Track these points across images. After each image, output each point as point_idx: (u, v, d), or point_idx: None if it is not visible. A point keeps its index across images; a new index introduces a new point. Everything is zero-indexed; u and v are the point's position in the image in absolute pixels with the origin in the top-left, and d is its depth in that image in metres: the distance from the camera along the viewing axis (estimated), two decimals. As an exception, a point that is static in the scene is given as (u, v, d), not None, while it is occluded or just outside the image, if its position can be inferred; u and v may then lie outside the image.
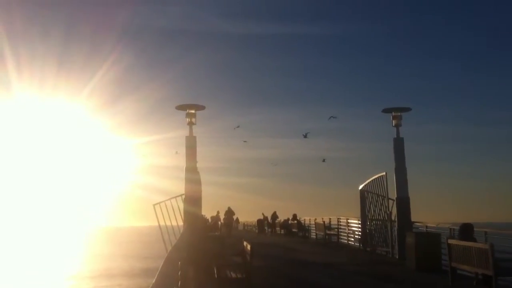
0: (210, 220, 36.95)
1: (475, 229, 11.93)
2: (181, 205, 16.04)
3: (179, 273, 7.68)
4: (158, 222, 15.83)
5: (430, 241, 14.29)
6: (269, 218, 40.26)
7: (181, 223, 16.04)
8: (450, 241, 11.54)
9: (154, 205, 16.01)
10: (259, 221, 40.73)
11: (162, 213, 15.84)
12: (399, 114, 17.42)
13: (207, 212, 42.80)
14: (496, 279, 10.22)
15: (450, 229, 13.90)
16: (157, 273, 5.45)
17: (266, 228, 40.09)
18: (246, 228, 51.02)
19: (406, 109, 17.50)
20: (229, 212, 35.04)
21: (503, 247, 11.87)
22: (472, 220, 13.25)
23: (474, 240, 11.22)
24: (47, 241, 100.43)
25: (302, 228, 32.71)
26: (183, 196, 16.09)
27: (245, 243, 11.41)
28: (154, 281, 4.89)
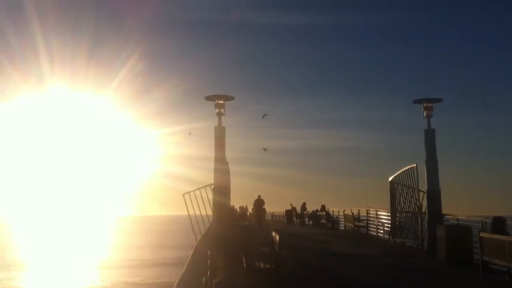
0: (239, 210, 37.11)
1: (508, 222, 11.72)
2: (210, 195, 16.15)
3: (208, 262, 7.75)
4: (188, 211, 15.96)
5: (461, 234, 14.11)
6: (298, 209, 40.22)
7: (210, 213, 16.15)
8: (482, 234, 11.35)
9: (183, 194, 16.16)
10: (287, 211, 40.74)
11: (192, 203, 15.99)
12: (430, 105, 17.18)
13: (236, 202, 43.02)
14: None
15: (482, 222, 13.68)
16: (187, 262, 5.50)
17: (294, 218, 40.09)
18: (274, 218, 51.08)
19: (438, 100, 17.24)
20: (259, 202, 32.33)
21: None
22: (505, 213, 13.02)
23: (507, 234, 11.02)
24: (76, 231, 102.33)
25: (331, 219, 32.60)
26: (212, 186, 16.19)
27: (273, 233, 11.44)
28: (184, 269, 4.94)
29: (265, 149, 41.22)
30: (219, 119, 16.76)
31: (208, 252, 7.96)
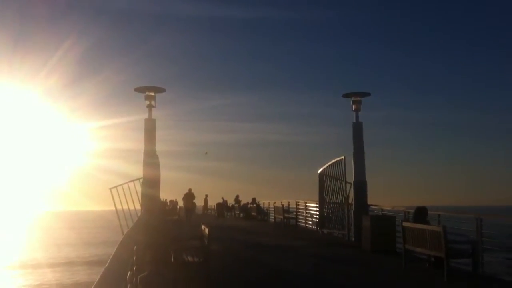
0: (169, 204, 36.74)
1: (429, 212, 12.22)
2: (139, 189, 15.79)
3: (134, 258, 7.56)
4: (115, 206, 15.55)
5: (385, 223, 14.60)
6: (230, 202, 40.38)
7: (138, 207, 15.79)
8: (405, 224, 11.78)
9: (110, 188, 15.70)
10: (218, 205, 40.76)
11: (119, 197, 15.57)
12: (358, 99, 17.59)
13: (167, 196, 42.49)
14: (448, 261, 10.52)
15: (405, 212, 14.19)
16: (110, 258, 5.32)
17: (225, 212, 40.17)
18: (205, 212, 50.91)
19: (366, 94, 17.68)
20: (189, 195, 30.32)
21: (456, 230, 12.21)
22: (428, 204, 13.58)
23: (428, 223, 11.49)
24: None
25: (261, 211, 32.91)
26: (141, 180, 15.83)
27: (202, 226, 11.35)
28: (107, 265, 4.77)
29: (206, 153, 41.53)
30: (150, 112, 16.38)
31: (135, 247, 7.77)
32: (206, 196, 46.41)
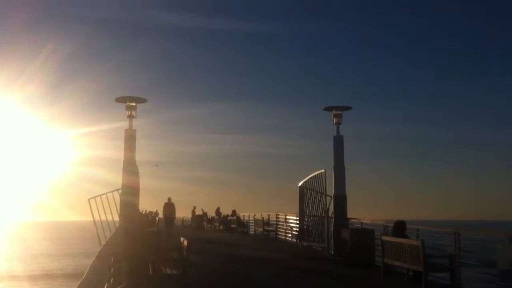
0: (148, 215, 36.41)
1: (408, 226, 12.29)
2: (118, 200, 15.63)
3: (111, 270, 7.46)
4: (93, 217, 15.34)
5: (364, 237, 14.66)
6: (210, 214, 40.17)
7: (117, 218, 15.62)
8: (384, 238, 11.83)
9: (89, 199, 15.51)
10: (198, 216, 40.54)
11: (98, 208, 15.38)
12: (339, 112, 17.69)
13: (148, 207, 42.11)
14: (426, 275, 10.58)
15: (384, 226, 14.25)
16: (87, 270, 5.24)
17: (205, 224, 39.96)
18: (184, 223, 50.56)
19: (347, 108, 17.80)
20: (169, 205, 27.50)
21: (434, 244, 12.30)
22: (407, 217, 13.65)
23: (406, 237, 11.56)
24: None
25: (241, 224, 32.82)
26: (120, 191, 15.68)
27: (182, 238, 11.27)
28: (83, 278, 4.70)
29: (156, 165, 41.00)
30: (130, 122, 16.29)
31: (112, 259, 7.67)
32: (194, 208, 44.48)
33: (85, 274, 4.90)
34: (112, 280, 7.49)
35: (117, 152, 16.27)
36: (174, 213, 27.50)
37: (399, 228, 11.97)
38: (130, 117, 16.10)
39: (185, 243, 10.49)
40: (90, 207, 15.38)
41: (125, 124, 16.20)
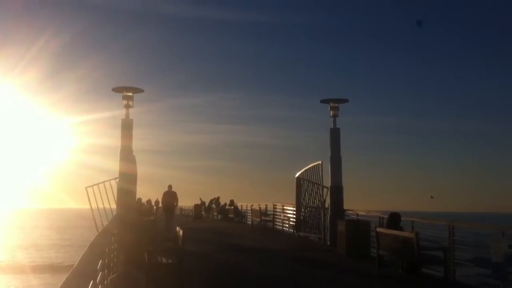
0: (146, 204, 36.45)
1: (403, 218, 12.34)
2: (116, 189, 15.69)
3: (106, 259, 7.48)
4: (90, 205, 15.40)
5: (359, 228, 14.72)
6: (212, 203, 40.17)
7: (114, 206, 15.69)
8: (379, 229, 11.86)
9: (86, 188, 15.56)
10: (196, 206, 40.59)
11: (95, 196, 15.44)
12: (336, 105, 17.70)
13: (145, 195, 42.03)
14: (420, 267, 10.66)
15: (380, 217, 14.31)
16: (80, 258, 5.27)
17: (203, 213, 40.03)
18: (183, 213, 50.68)
19: (344, 101, 17.81)
20: (170, 194, 24.03)
21: (428, 236, 12.37)
22: (403, 209, 13.72)
23: (401, 229, 11.60)
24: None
25: (239, 214, 32.93)
26: (117, 180, 15.73)
27: (177, 228, 11.32)
28: (74, 266, 4.72)
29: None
30: (127, 111, 16.31)
31: (106, 248, 7.69)
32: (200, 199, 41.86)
33: (77, 263, 4.92)
34: (106, 270, 7.51)
35: (116, 140, 16.32)
36: (176, 202, 24.30)
37: (394, 220, 11.99)
38: (127, 106, 16.11)
39: (181, 232, 10.55)
40: (88, 195, 15.44)
41: (122, 113, 16.24)
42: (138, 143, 16.25)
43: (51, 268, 31.97)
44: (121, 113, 16.18)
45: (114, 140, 16.56)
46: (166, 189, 24.76)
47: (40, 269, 31.78)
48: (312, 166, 19.01)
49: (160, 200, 26.85)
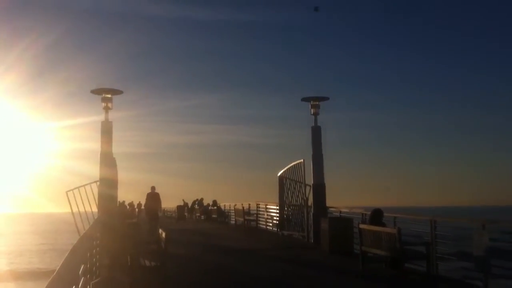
0: (128, 206, 36.23)
1: (385, 214, 12.42)
2: (97, 192, 15.53)
3: (87, 264, 7.40)
4: (71, 209, 15.21)
5: (342, 225, 14.78)
6: (195, 204, 40.03)
7: (96, 210, 15.53)
8: (361, 226, 11.94)
9: (67, 192, 15.37)
10: (178, 207, 40.42)
11: (76, 200, 15.25)
12: (317, 103, 17.72)
13: (129, 198, 41.74)
14: (403, 262, 10.73)
15: (362, 214, 14.38)
16: (61, 263, 5.18)
17: (186, 214, 39.90)
18: (166, 214, 50.43)
19: (324, 98, 17.83)
20: (153, 196, 22.07)
21: (411, 232, 12.46)
22: (385, 205, 13.79)
23: (384, 225, 11.69)
24: None
25: (222, 214, 32.87)
26: (98, 183, 15.57)
27: (160, 230, 11.23)
28: (56, 271, 4.64)
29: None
30: (106, 114, 16.16)
31: (88, 253, 7.60)
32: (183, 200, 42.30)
33: (57, 269, 4.83)
34: (88, 275, 7.43)
35: (97, 144, 16.15)
36: (160, 204, 22.81)
37: (377, 216, 12.07)
38: (106, 108, 15.98)
39: (163, 234, 10.46)
40: (68, 199, 15.25)
41: (102, 117, 16.08)
42: (121, 146, 16.11)
43: (34, 275, 31.43)
44: (102, 116, 16.04)
45: (95, 144, 16.38)
46: (149, 190, 22.47)
47: (22, 276, 31.24)
48: (294, 165, 19.05)
49: (143, 203, 26.13)
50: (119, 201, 22.06)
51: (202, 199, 39.10)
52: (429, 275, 10.63)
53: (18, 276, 31.21)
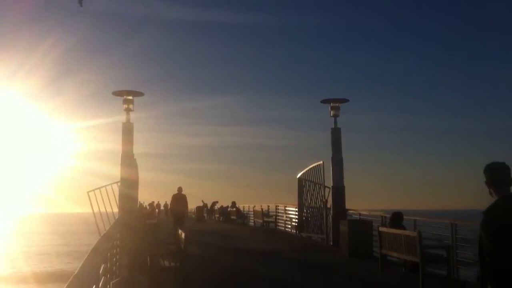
0: (148, 207, 36.51)
1: (405, 217, 12.32)
2: (117, 193, 15.67)
3: (108, 263, 7.49)
4: (93, 210, 15.38)
5: (362, 228, 14.68)
6: (215, 205, 40.33)
7: (117, 210, 15.67)
8: (381, 229, 11.85)
9: (88, 192, 15.54)
10: (198, 208, 40.62)
11: (97, 200, 15.42)
12: (337, 105, 17.68)
13: (150, 199, 42.07)
14: (423, 266, 10.61)
15: (382, 216, 14.29)
16: (82, 262, 5.26)
17: (205, 215, 40.08)
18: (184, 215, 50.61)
19: (344, 100, 17.79)
20: (179, 197, 20.63)
21: (431, 235, 12.33)
22: (405, 208, 13.68)
23: (403, 228, 11.59)
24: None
25: (241, 215, 32.91)
26: (119, 183, 15.72)
27: (179, 231, 11.30)
28: (76, 272, 4.71)
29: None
30: (127, 115, 16.33)
31: (108, 253, 7.69)
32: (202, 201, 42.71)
33: (78, 268, 4.91)
34: (108, 275, 7.52)
35: (117, 145, 16.33)
36: (187, 207, 21.27)
37: (396, 219, 11.99)
38: (127, 110, 16.13)
39: (183, 235, 10.52)
40: (90, 199, 15.43)
41: (124, 117, 16.25)
42: (141, 147, 16.29)
43: (55, 276, 31.59)
44: (123, 117, 16.21)
45: (116, 144, 16.56)
46: (175, 191, 20.98)
47: (43, 278, 31.45)
48: (313, 167, 19.00)
49: (161, 203, 26.30)
50: (139, 202, 22.22)
51: (217, 202, 39.36)
52: (450, 279, 10.51)
53: (41, 278, 31.46)
